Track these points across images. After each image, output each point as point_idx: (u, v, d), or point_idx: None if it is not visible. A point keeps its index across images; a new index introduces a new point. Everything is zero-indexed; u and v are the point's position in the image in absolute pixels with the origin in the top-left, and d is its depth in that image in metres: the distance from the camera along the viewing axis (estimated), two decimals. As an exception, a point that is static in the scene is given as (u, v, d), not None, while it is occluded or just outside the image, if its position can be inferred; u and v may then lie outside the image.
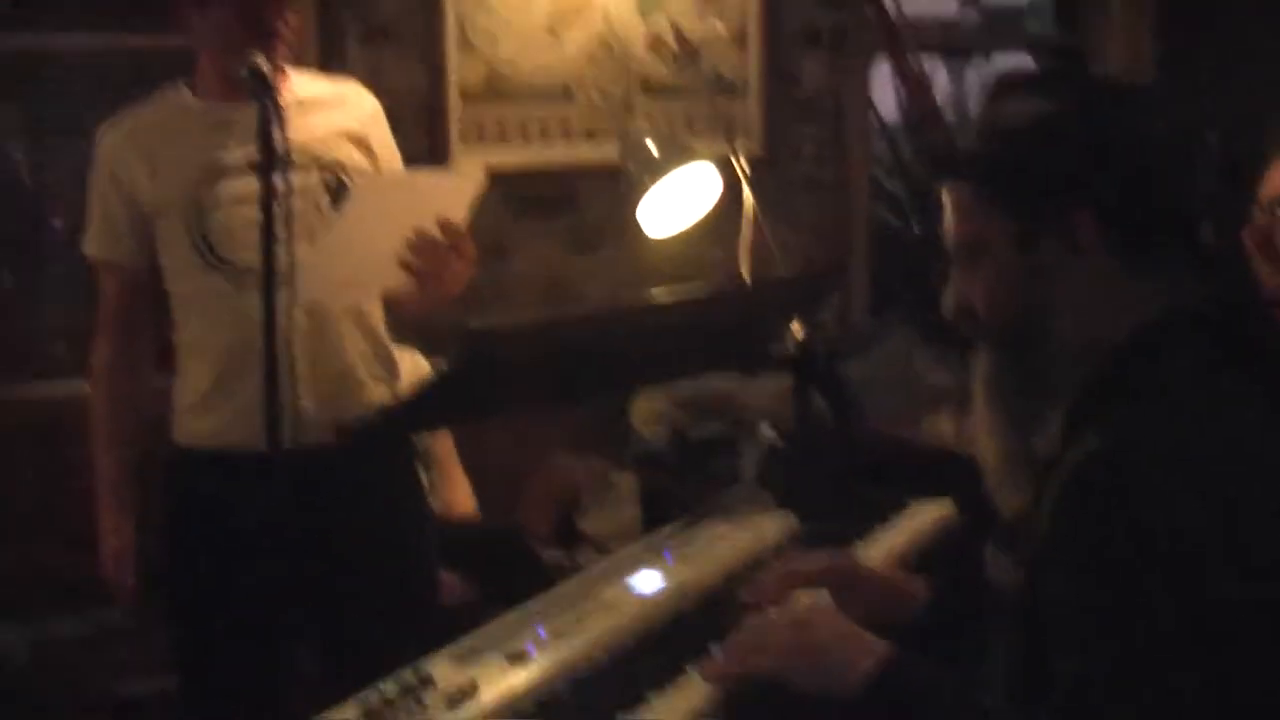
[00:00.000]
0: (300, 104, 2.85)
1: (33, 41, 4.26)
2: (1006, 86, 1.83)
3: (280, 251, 2.44)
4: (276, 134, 2.45)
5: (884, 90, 5.31)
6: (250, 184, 2.66)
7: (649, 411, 4.28)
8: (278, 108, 2.49)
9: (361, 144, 2.97)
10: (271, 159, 2.46)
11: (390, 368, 3.02)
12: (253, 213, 2.62)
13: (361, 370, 2.93)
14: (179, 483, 2.96)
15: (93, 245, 2.98)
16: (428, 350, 3.87)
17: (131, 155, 2.88)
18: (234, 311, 2.79)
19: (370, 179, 2.87)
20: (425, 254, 2.68)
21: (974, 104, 9.45)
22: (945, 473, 2.81)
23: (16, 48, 4.25)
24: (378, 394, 2.94)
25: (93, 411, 3.02)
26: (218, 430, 2.87)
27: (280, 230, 2.43)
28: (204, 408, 2.89)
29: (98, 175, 2.94)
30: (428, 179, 2.92)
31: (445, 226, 2.67)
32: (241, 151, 2.77)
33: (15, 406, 4.10)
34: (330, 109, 2.97)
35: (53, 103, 4.32)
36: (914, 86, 4.94)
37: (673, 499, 3.89)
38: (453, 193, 2.73)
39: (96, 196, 2.95)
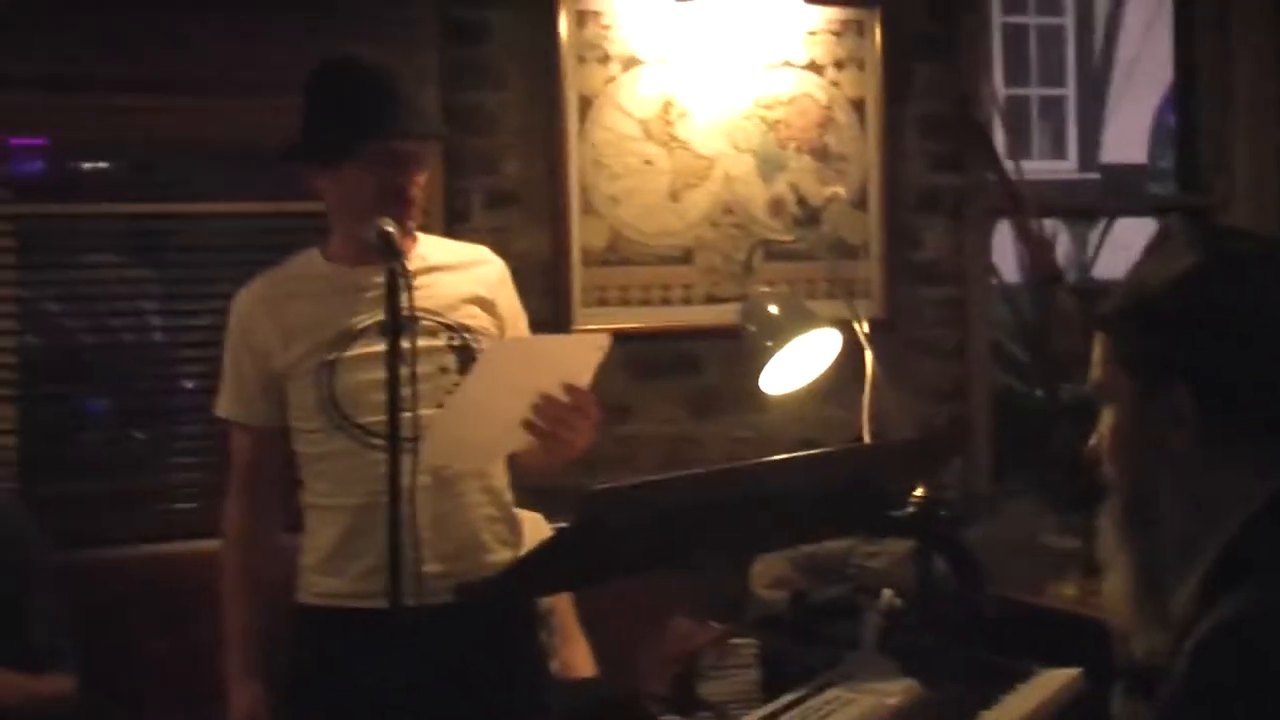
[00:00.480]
0: (429, 268, 2.92)
1: (168, 207, 4.39)
2: (1157, 238, 1.83)
3: (406, 413, 2.49)
4: (403, 297, 2.51)
5: (1006, 253, 5.31)
6: (379, 346, 2.71)
7: (769, 574, 4.25)
8: (405, 272, 2.55)
9: (488, 308, 3.01)
10: (398, 322, 2.51)
11: (514, 530, 3.04)
12: (378, 375, 2.68)
13: (485, 532, 2.95)
14: (304, 639, 2.98)
15: (225, 406, 3.05)
16: (550, 512, 3.88)
17: (265, 319, 2.94)
18: (361, 472, 2.83)
19: (497, 345, 2.91)
20: (550, 417, 2.70)
21: (1097, 266, 9.41)
22: (1072, 639, 2.76)
23: (152, 213, 4.37)
24: (501, 556, 2.95)
25: (223, 569, 3.06)
26: (342, 588, 2.90)
27: (406, 392, 2.48)
28: (330, 566, 2.92)
29: (232, 338, 3.02)
30: (554, 344, 2.96)
31: (570, 390, 2.70)
32: (371, 314, 2.83)
33: (145, 565, 4.14)
34: (458, 272, 3.02)
35: (185, 265, 4.42)
36: (1036, 249, 4.93)
37: (793, 664, 3.84)
38: (578, 357, 2.75)
39: (230, 359, 3.02)
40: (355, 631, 2.85)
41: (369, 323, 2.85)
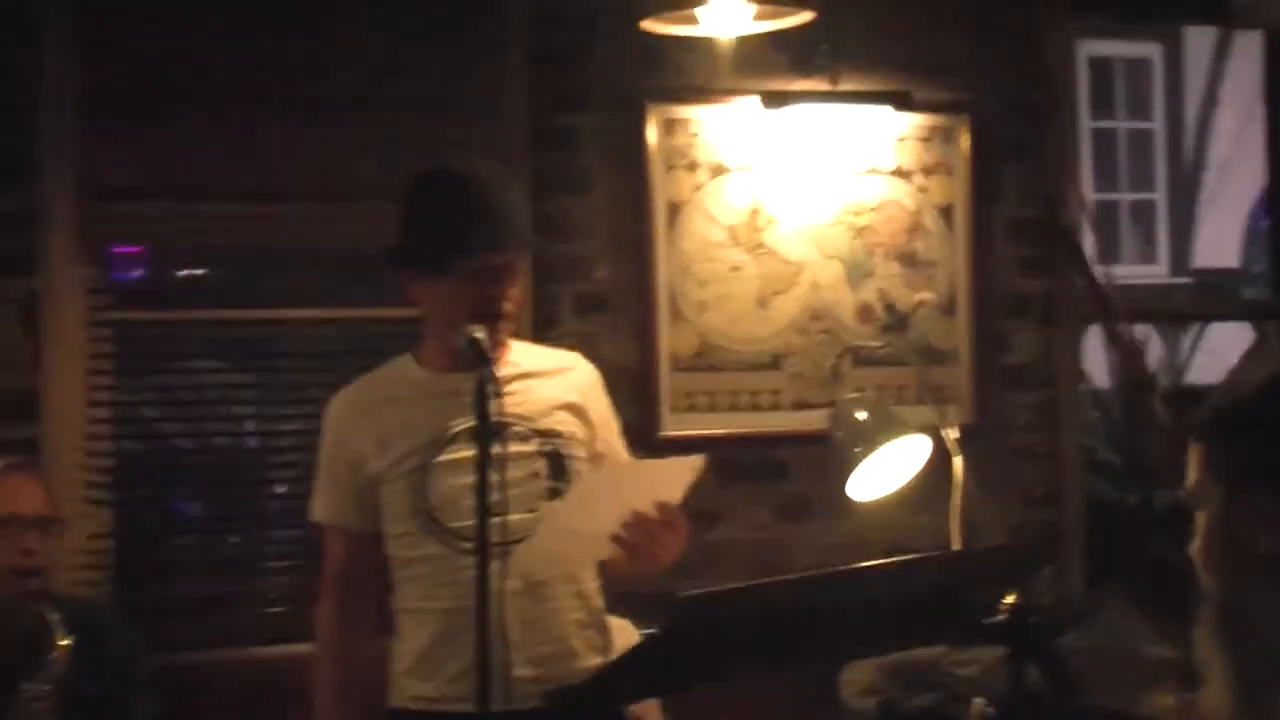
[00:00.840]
0: (521, 374, 2.94)
1: (262, 313, 4.46)
2: (1255, 344, 1.83)
3: (496, 518, 2.51)
4: (492, 404, 2.53)
5: (1096, 357, 5.28)
6: (472, 451, 2.73)
7: (858, 682, 4.21)
8: (494, 379, 2.58)
9: (579, 413, 3.03)
10: (487, 428, 2.54)
11: (604, 636, 3.03)
12: (469, 480, 2.70)
13: (575, 638, 2.94)
14: None
15: (319, 510, 3.07)
16: (638, 618, 3.87)
17: (359, 425, 2.97)
18: (452, 576, 2.84)
19: (593, 473, 2.94)
20: (639, 532, 2.73)
21: (1190, 372, 9.34)
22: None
23: (247, 318, 4.45)
24: (591, 662, 2.94)
25: (316, 672, 3.07)
26: (433, 692, 2.90)
27: (496, 498, 2.50)
28: (421, 670, 2.93)
29: (326, 443, 3.05)
30: (649, 468, 2.98)
31: (661, 507, 2.73)
32: (465, 420, 2.85)
33: (238, 669, 4.17)
34: (550, 379, 3.04)
35: (279, 371, 4.49)
36: (1127, 354, 4.90)
37: (884, 773, 3.80)
38: (672, 478, 2.79)
39: (324, 464, 3.05)
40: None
41: (462, 428, 2.87)
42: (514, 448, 2.79)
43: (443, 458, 2.88)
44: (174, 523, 4.53)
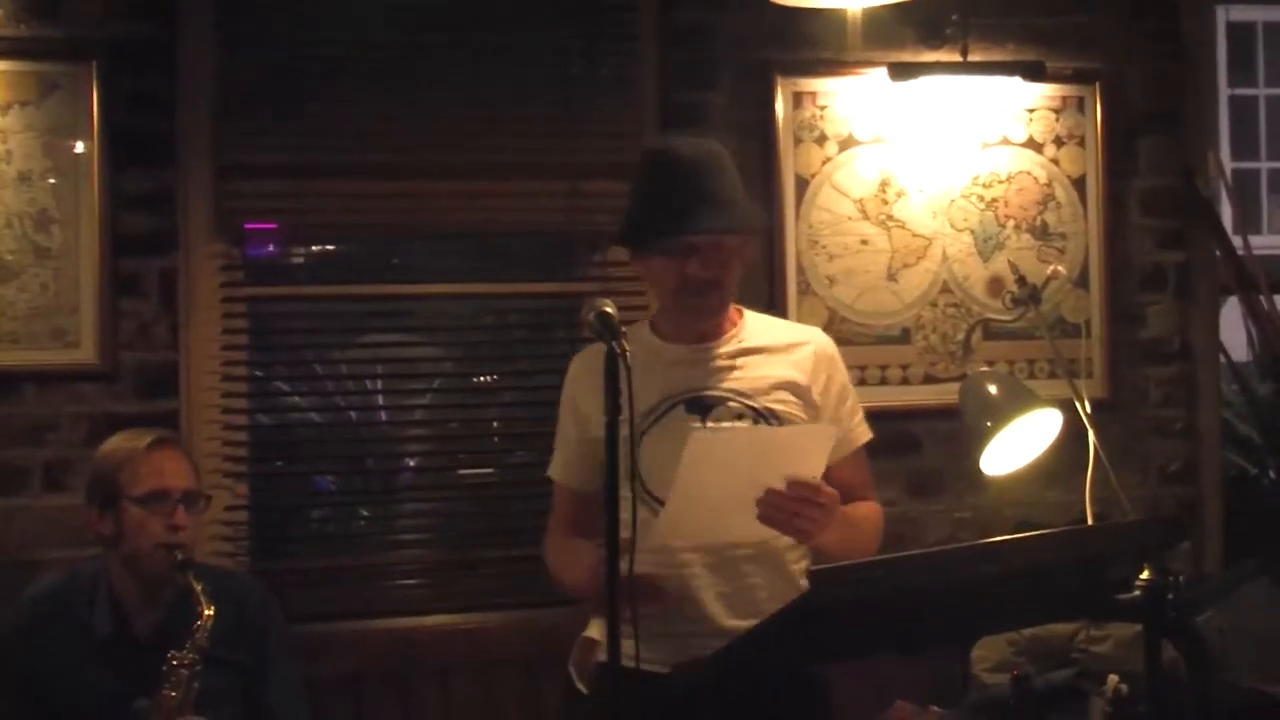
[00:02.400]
0: (744, 350, 3.04)
1: (394, 288, 4.52)
2: None
3: (618, 502, 2.54)
4: (623, 376, 2.54)
5: (1234, 330, 5.18)
6: (682, 421, 2.85)
7: (991, 658, 4.18)
8: (624, 350, 2.58)
9: (801, 393, 3.07)
10: (617, 401, 2.54)
11: None
12: (679, 448, 2.73)
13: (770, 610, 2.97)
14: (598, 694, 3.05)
15: (552, 467, 3.22)
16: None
17: (591, 385, 2.98)
18: (655, 542, 2.88)
19: (702, 434, 2.92)
20: (778, 508, 2.73)
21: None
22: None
23: (379, 294, 4.50)
24: None
25: (555, 567, 3.17)
26: (631, 651, 2.93)
27: (632, 472, 2.55)
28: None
29: (562, 402, 3.18)
30: (775, 436, 2.96)
31: (794, 484, 2.72)
32: (686, 390, 2.91)
33: (371, 640, 4.22)
34: (776, 355, 3.10)
35: (410, 346, 4.55)
36: (1266, 326, 4.81)
37: (1017, 750, 3.77)
38: (803, 449, 2.79)
39: (560, 422, 3.19)
40: (639, 691, 2.89)
41: (683, 398, 2.94)
42: (728, 424, 2.85)
43: (658, 425, 2.95)
44: (307, 496, 4.60)
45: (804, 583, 3.03)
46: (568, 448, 3.16)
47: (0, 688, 3.44)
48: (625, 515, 2.92)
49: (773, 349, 3.09)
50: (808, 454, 2.76)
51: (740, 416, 2.96)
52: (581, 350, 3.21)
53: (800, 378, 3.07)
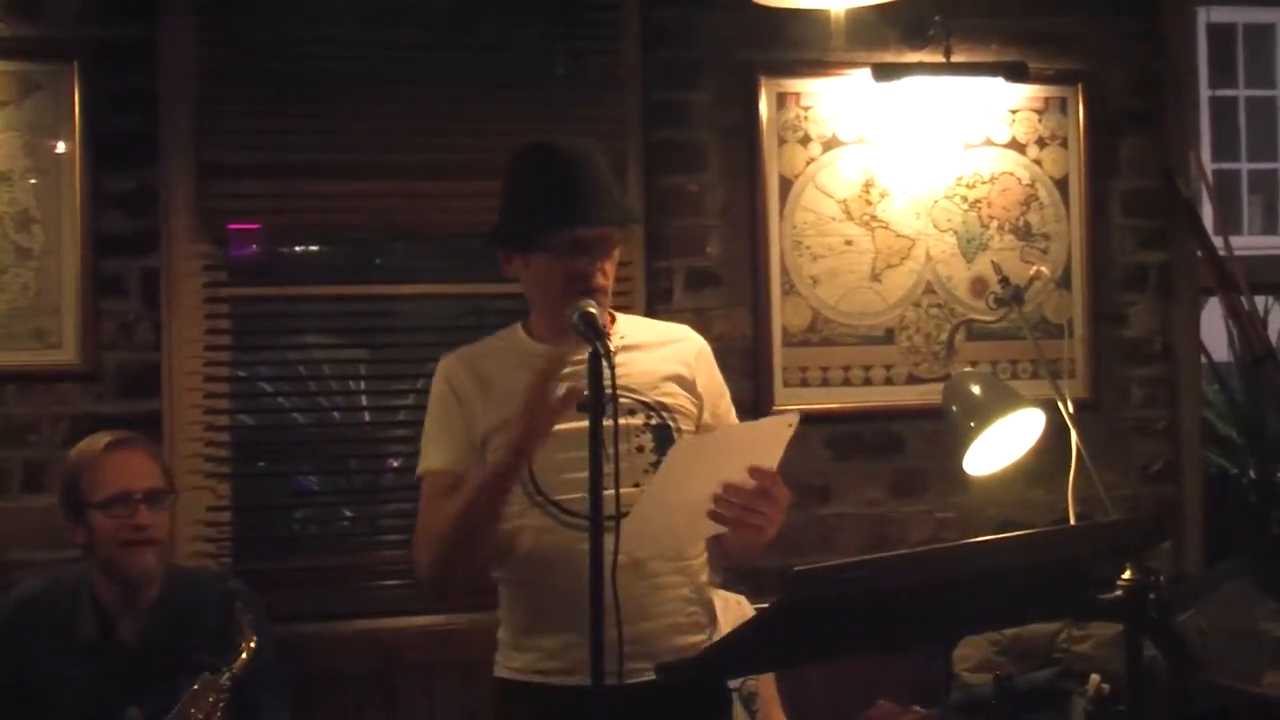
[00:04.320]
0: (627, 346, 2.93)
1: (377, 289, 4.52)
2: None
3: (606, 492, 2.51)
4: (605, 378, 2.53)
5: (1215, 330, 5.20)
6: (573, 424, 2.74)
7: (973, 658, 4.19)
8: (608, 352, 2.58)
9: (687, 386, 3.02)
10: (600, 402, 2.54)
11: (709, 612, 3.02)
12: (575, 452, 2.70)
13: (680, 614, 2.93)
14: (501, 713, 3.00)
15: (435, 459, 2.99)
16: (752, 593, 3.88)
17: (469, 377, 2.97)
18: (557, 548, 2.85)
19: (684, 442, 2.90)
20: (735, 505, 2.70)
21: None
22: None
23: (362, 294, 4.50)
24: (694, 638, 2.94)
25: (449, 518, 2.88)
26: (537, 664, 2.91)
27: (605, 471, 2.50)
28: (524, 642, 2.93)
29: (440, 397, 3.02)
30: (741, 432, 2.95)
31: (756, 474, 2.69)
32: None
33: (353, 641, 4.22)
34: (656, 351, 3.04)
35: (394, 346, 4.54)
36: (1246, 326, 4.82)
37: (999, 749, 3.78)
38: (767, 440, 2.74)
39: (438, 416, 3.01)
40: (553, 706, 2.87)
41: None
42: (621, 421, 2.74)
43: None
44: (290, 496, 4.60)
45: (703, 578, 3.02)
46: (456, 437, 2.96)
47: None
48: (518, 523, 2.91)
49: (652, 345, 3.05)
50: (768, 447, 2.72)
51: (633, 412, 2.90)
52: (451, 352, 3.07)
53: (684, 371, 3.03)
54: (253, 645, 3.27)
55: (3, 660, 3.40)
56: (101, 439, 3.46)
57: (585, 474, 2.55)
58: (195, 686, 3.22)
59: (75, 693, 3.34)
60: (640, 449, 2.89)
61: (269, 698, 3.48)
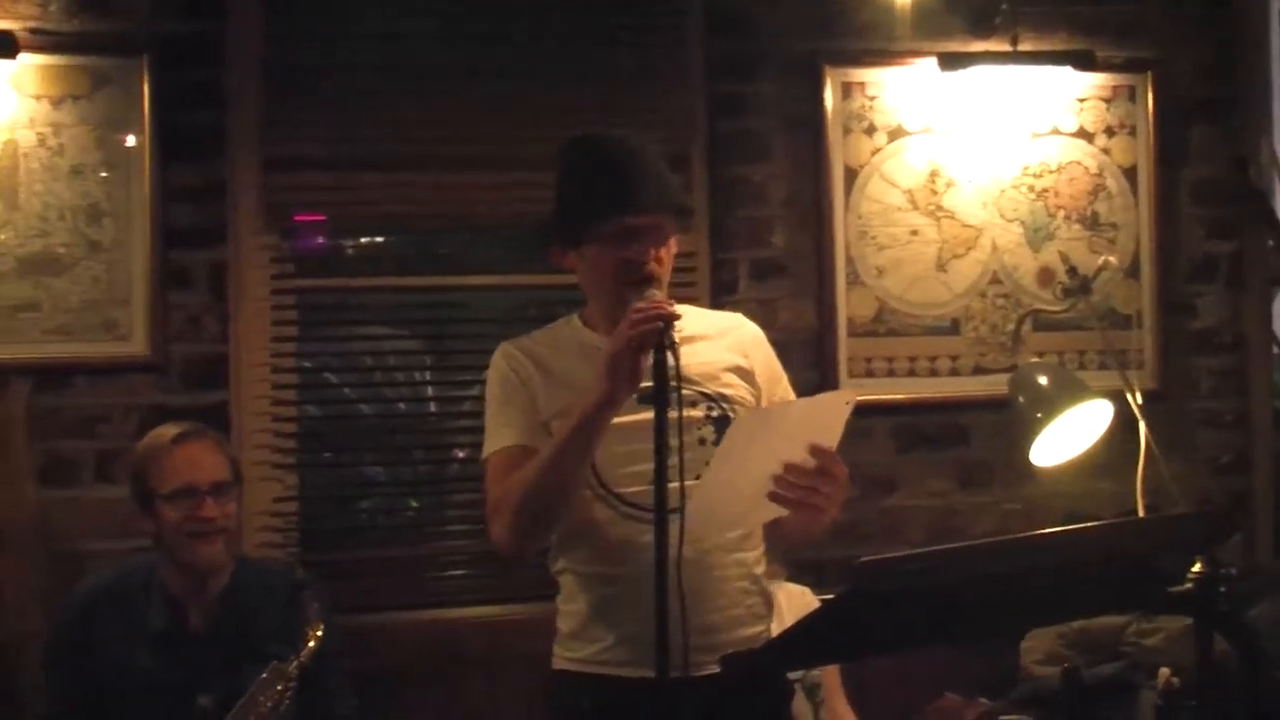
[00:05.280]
0: (687, 337, 2.89)
1: (442, 280, 4.54)
2: None
3: (671, 484, 2.50)
4: (670, 370, 2.53)
5: (1287, 320, 5.14)
6: (635, 416, 2.73)
7: (1040, 650, 4.16)
8: (674, 344, 2.57)
9: (746, 376, 3.00)
10: (665, 393, 2.53)
11: (767, 602, 3.01)
12: (637, 445, 2.69)
13: (739, 606, 2.91)
14: (558, 705, 2.99)
15: (506, 436, 2.95)
16: (817, 585, 3.87)
17: (529, 362, 2.96)
18: (617, 540, 2.83)
19: (743, 417, 2.88)
20: (795, 486, 2.67)
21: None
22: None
23: (428, 285, 4.52)
24: (753, 630, 2.92)
25: (522, 489, 2.83)
26: (599, 656, 2.90)
27: (668, 463, 2.49)
28: (585, 633, 2.92)
29: (502, 381, 2.99)
30: (799, 409, 2.92)
31: (816, 452, 2.67)
32: None
33: (417, 631, 4.24)
34: (715, 341, 3.02)
35: (459, 337, 4.54)
36: (1318, 317, 4.76)
37: (1066, 743, 3.76)
38: (825, 417, 2.71)
39: (504, 398, 2.98)
40: (613, 698, 2.86)
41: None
42: (681, 412, 2.75)
43: (612, 420, 2.85)
44: (356, 487, 4.62)
45: (761, 569, 3.00)
46: (525, 415, 2.92)
47: (56, 680, 3.47)
48: (582, 515, 2.89)
49: (712, 335, 3.02)
50: (827, 424, 2.68)
51: (694, 404, 2.86)
52: (509, 340, 3.04)
53: (743, 361, 3.01)
54: (320, 634, 3.29)
55: (76, 650, 3.43)
56: (169, 431, 3.49)
57: (647, 466, 2.55)
58: (264, 675, 3.24)
59: (146, 682, 3.37)
60: (702, 441, 2.87)
61: (336, 685, 3.50)
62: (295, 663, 3.26)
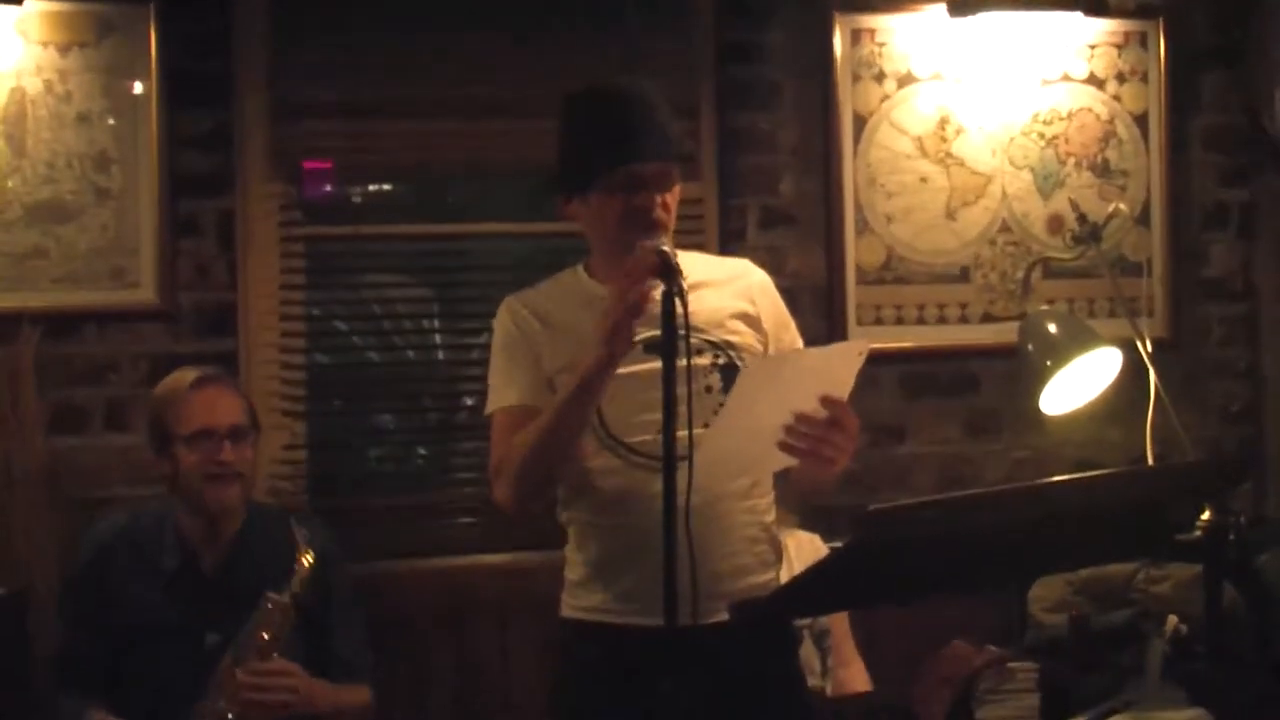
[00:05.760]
0: (692, 285, 2.87)
1: (451, 227, 4.53)
2: None
3: (680, 433, 2.50)
4: (679, 317, 2.52)
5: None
6: (642, 365, 2.73)
7: (1049, 598, 4.17)
8: (683, 291, 2.56)
9: (752, 323, 2.99)
10: (673, 342, 2.52)
11: (776, 550, 3.01)
12: (645, 394, 2.69)
13: (748, 554, 2.91)
14: (567, 653, 3.00)
15: (507, 395, 2.96)
16: (826, 532, 3.87)
17: (534, 321, 2.95)
18: (626, 491, 2.83)
19: (754, 364, 2.87)
20: (805, 436, 2.67)
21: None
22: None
23: (436, 233, 4.52)
24: (763, 577, 2.93)
25: (523, 451, 2.84)
26: (607, 604, 2.90)
27: (676, 411, 2.49)
28: (593, 583, 2.92)
29: (506, 336, 3.00)
30: (811, 357, 2.90)
31: (828, 403, 2.66)
32: (636, 334, 2.83)
33: (426, 578, 4.25)
34: (719, 289, 3.00)
35: (468, 285, 4.54)
36: (1330, 265, 4.75)
37: (1073, 690, 3.77)
38: (837, 367, 2.69)
39: (507, 354, 2.99)
40: (620, 646, 2.87)
41: (634, 340, 2.84)
42: (690, 361, 2.72)
43: (616, 372, 2.84)
44: (364, 435, 4.62)
45: (771, 517, 3.00)
46: (527, 373, 2.93)
47: (73, 625, 3.50)
48: (590, 465, 2.89)
49: (716, 282, 3.00)
50: (839, 374, 2.67)
51: (700, 352, 2.85)
52: (512, 295, 3.04)
53: (749, 307, 2.99)
54: (310, 560, 3.31)
55: (90, 591, 3.47)
56: (189, 374, 3.51)
57: (655, 416, 2.54)
58: (266, 606, 3.26)
59: (157, 622, 3.40)
60: (709, 389, 2.86)
61: (341, 625, 3.53)
62: (288, 593, 3.28)
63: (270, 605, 3.27)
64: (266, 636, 3.27)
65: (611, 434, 2.86)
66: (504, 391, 2.98)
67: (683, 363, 2.57)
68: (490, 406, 3.00)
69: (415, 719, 4.17)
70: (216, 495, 3.42)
